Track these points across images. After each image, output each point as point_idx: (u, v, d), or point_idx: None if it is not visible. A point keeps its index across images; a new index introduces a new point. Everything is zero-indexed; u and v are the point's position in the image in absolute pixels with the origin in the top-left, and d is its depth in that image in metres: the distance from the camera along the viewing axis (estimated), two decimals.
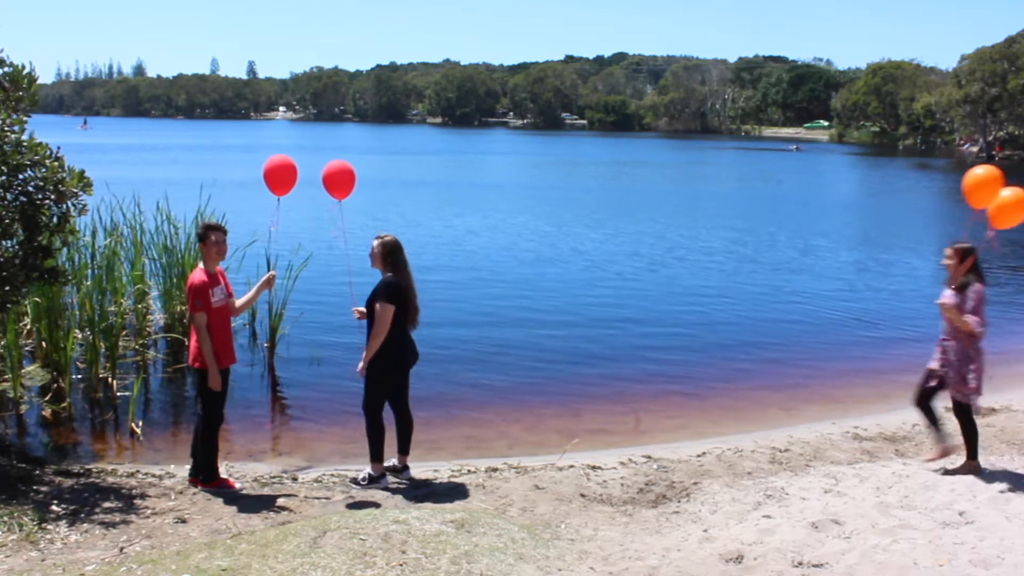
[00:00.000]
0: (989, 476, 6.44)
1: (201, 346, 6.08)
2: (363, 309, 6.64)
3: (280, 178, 6.98)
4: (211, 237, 6.22)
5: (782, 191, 38.26)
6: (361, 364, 6.40)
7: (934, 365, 6.64)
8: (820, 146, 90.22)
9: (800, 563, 4.98)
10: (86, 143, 58.44)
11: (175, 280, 10.59)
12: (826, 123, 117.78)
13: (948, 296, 6.44)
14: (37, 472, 6.52)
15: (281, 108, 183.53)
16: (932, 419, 6.72)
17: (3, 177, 6.01)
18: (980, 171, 6.86)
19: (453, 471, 7.02)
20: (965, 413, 6.57)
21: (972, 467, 6.62)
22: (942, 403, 6.78)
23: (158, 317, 10.90)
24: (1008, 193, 6.79)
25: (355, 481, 6.61)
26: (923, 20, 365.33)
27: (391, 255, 6.45)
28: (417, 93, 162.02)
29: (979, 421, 8.46)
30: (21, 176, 6.08)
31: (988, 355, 6.64)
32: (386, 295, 6.32)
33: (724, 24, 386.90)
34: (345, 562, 4.74)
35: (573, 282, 15.85)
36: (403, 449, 6.75)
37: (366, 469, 6.63)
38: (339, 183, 7.16)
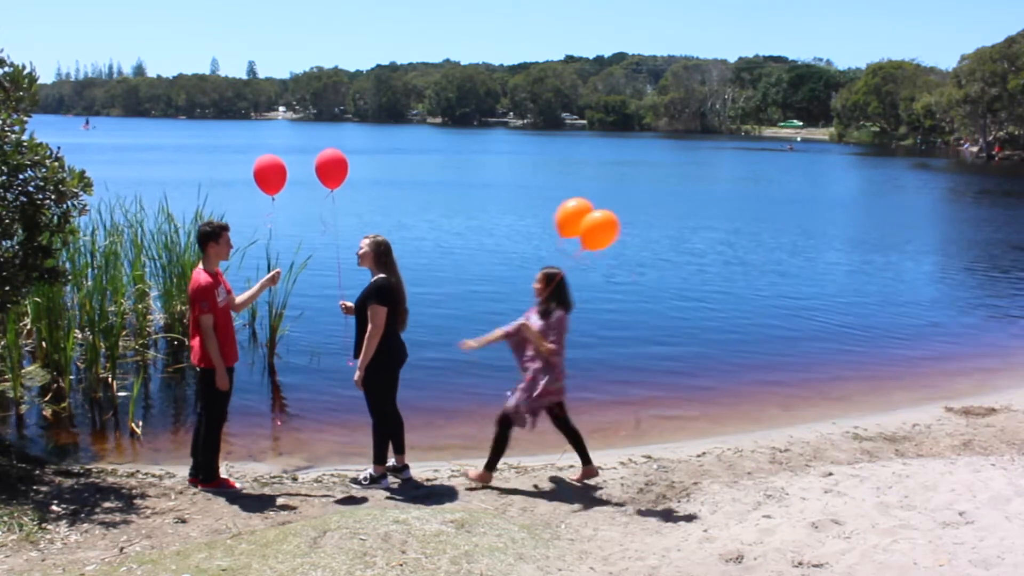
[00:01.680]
0: (989, 476, 6.44)
1: (208, 347, 6.07)
2: (351, 304, 6.67)
3: (269, 178, 7.01)
4: (224, 236, 6.23)
5: (771, 192, 38.20)
6: (358, 374, 6.37)
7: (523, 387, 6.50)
8: (817, 146, 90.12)
9: (800, 563, 4.98)
10: (90, 143, 58.46)
11: (175, 280, 10.58)
12: (799, 122, 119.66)
13: (535, 322, 6.42)
14: (37, 472, 6.51)
15: (281, 108, 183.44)
16: (572, 439, 6.65)
17: (3, 177, 6.01)
18: (571, 204, 6.50)
19: (453, 471, 7.02)
20: (562, 422, 6.56)
21: (589, 472, 6.67)
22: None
23: (158, 317, 10.89)
24: (596, 216, 6.45)
25: (356, 481, 6.61)
26: (923, 20, 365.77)
27: (383, 255, 6.45)
28: (417, 93, 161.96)
29: (979, 421, 8.53)
30: (21, 176, 6.07)
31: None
32: (379, 297, 6.31)
33: (724, 24, 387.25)
34: (345, 562, 4.74)
35: (576, 282, 15.82)
36: (399, 448, 6.76)
37: (367, 469, 6.63)
38: (331, 172, 7.16)
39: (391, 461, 6.78)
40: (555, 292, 6.40)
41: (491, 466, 6.65)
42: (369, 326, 6.30)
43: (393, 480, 6.66)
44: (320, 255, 11.98)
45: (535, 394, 6.38)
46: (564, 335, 6.40)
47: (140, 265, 10.65)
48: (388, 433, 6.59)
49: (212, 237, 6.19)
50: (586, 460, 6.72)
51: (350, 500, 6.25)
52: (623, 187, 38.93)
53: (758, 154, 72.76)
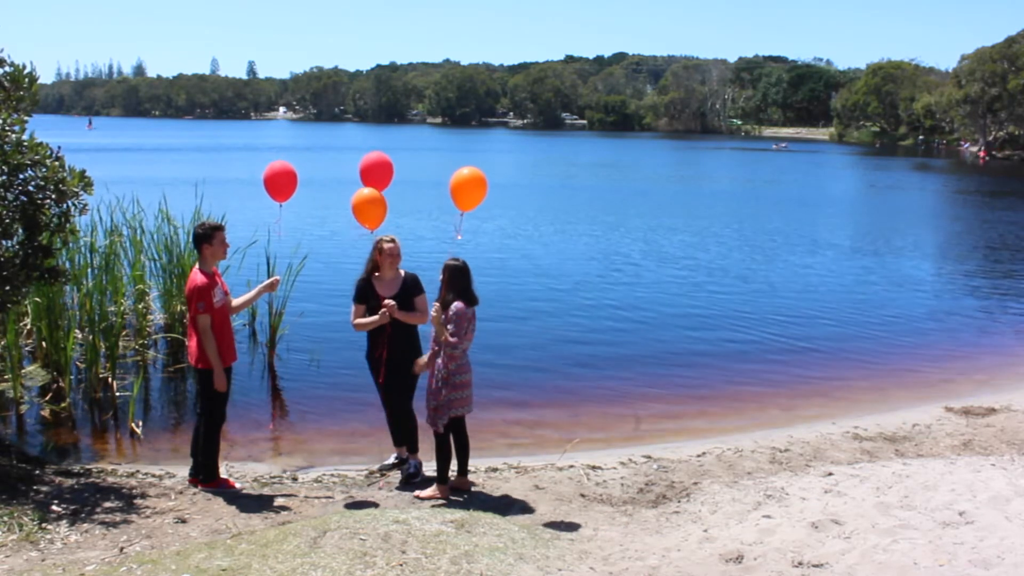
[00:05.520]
0: (989, 476, 6.43)
1: (205, 348, 6.07)
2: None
3: (280, 185, 7.01)
4: (218, 236, 6.22)
5: (765, 193, 38.17)
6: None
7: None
8: (815, 146, 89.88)
9: (800, 563, 4.98)
10: (97, 144, 58.37)
11: (175, 280, 10.58)
12: (738, 121, 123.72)
13: (437, 309, 6.06)
14: (37, 472, 6.52)
15: (281, 108, 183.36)
16: (459, 447, 6.38)
17: (3, 177, 6.01)
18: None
19: (453, 471, 7.02)
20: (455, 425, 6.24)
21: (463, 483, 6.35)
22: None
23: (158, 317, 10.89)
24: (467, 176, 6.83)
25: (409, 477, 6.67)
26: (923, 20, 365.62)
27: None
28: (417, 93, 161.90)
29: (979, 421, 8.52)
30: (21, 176, 6.08)
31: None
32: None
33: (724, 24, 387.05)
34: (345, 562, 4.74)
35: (572, 283, 15.84)
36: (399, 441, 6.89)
37: (412, 461, 6.79)
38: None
39: (394, 456, 6.87)
40: (452, 283, 6.03)
41: (441, 479, 6.31)
42: (425, 316, 6.47)
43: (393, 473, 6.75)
44: (319, 255, 11.98)
45: (437, 404, 6.09)
46: (464, 329, 5.99)
47: (140, 265, 10.65)
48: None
49: (205, 239, 6.18)
50: (463, 471, 6.40)
51: (350, 500, 6.25)
52: (612, 187, 38.92)
53: (753, 154, 72.50)
